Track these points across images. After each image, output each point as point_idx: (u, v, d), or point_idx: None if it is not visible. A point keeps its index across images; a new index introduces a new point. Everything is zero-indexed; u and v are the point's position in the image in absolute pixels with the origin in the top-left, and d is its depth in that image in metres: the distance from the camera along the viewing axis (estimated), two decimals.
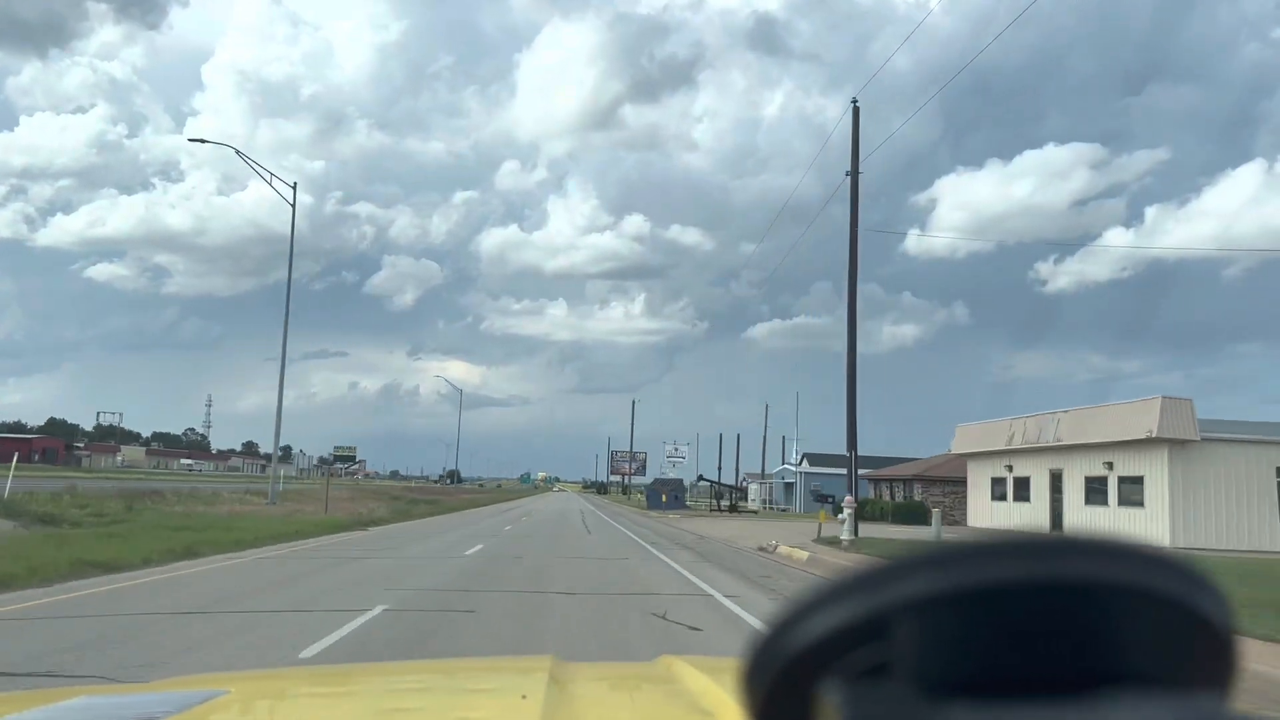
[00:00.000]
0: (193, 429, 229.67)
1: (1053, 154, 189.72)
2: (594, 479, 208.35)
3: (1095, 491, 33.03)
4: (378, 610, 10.39)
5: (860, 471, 70.15)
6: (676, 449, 79.32)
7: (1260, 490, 29.69)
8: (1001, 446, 38.46)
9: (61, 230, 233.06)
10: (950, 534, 26.46)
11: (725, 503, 59.53)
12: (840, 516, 23.65)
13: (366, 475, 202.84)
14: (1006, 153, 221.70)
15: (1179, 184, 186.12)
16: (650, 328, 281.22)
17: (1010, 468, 38.83)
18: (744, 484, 79.87)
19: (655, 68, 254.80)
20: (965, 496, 46.78)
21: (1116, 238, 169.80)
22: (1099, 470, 32.62)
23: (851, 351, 25.80)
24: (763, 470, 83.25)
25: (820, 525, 25.40)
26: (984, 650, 0.53)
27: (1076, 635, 0.53)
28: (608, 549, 22.79)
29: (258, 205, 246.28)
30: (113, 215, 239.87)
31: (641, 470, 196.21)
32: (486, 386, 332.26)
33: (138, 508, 28.29)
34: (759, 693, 0.58)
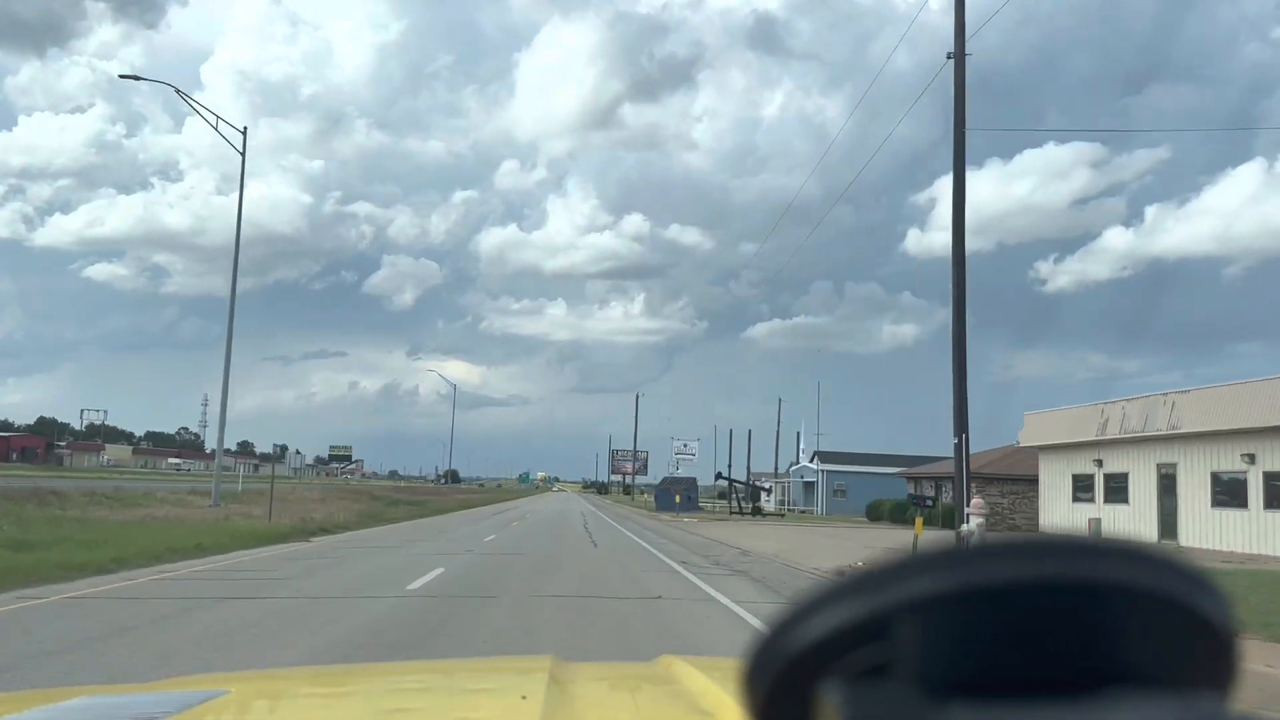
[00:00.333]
0: (186, 428, 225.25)
1: (1053, 153, 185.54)
2: (594, 479, 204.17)
3: (1228, 492, 26.13)
4: None
5: (887, 470, 63.47)
6: (685, 446, 72.38)
7: None
8: (1090, 437, 31.56)
9: (60, 230, 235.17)
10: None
11: (747, 504, 52.58)
12: (967, 527, 16.60)
13: (364, 475, 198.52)
14: (1006, 152, 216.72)
15: (1179, 183, 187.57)
16: (650, 327, 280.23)
17: (1100, 462, 31.90)
18: (760, 484, 73.13)
19: (655, 67, 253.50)
20: (1029, 497, 39.96)
21: (1116, 237, 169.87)
22: (1235, 465, 25.72)
23: (959, 304, 18.82)
24: (776, 468, 76.60)
25: (917, 535, 18.32)
26: (985, 650, 0.53)
27: (1077, 635, 0.52)
28: (624, 573, 15.97)
29: (257, 205, 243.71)
30: (111, 215, 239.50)
31: (644, 470, 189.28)
32: (486, 386, 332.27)
33: (15, 512, 21.60)
34: (759, 693, 0.58)
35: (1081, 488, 33.42)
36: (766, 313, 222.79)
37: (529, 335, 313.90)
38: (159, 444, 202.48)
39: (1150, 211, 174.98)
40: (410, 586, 12.70)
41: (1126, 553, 0.54)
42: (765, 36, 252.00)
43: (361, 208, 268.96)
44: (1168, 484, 28.64)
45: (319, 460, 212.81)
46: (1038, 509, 40.25)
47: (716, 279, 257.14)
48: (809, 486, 66.88)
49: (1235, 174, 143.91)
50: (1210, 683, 0.56)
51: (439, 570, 15.11)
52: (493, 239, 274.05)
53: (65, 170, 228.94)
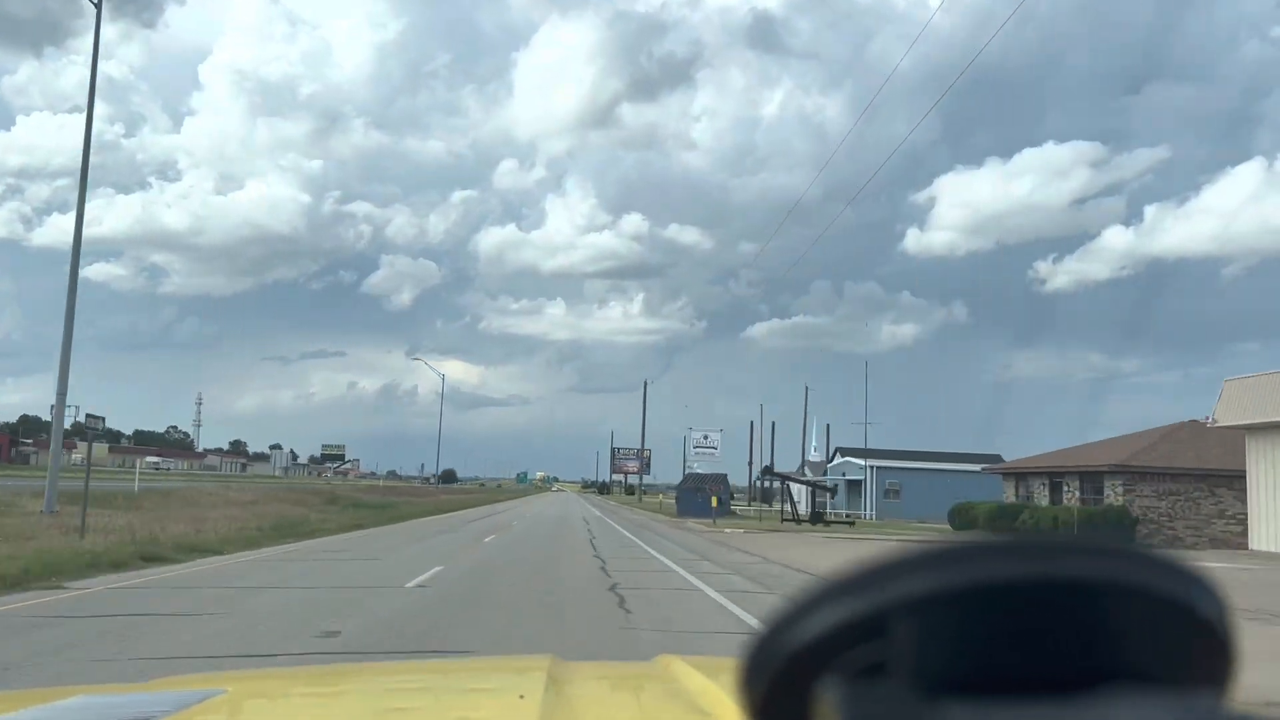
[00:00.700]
0: (175, 426, 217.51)
1: (1052, 152, 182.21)
2: (593, 479, 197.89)
3: None
4: None
5: (953, 468, 51.91)
6: (705, 438, 59.88)
7: None
8: None
9: (58, 230, 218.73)
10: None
11: (802, 508, 41.10)
12: None
13: (359, 475, 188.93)
14: (1005, 151, 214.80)
15: (1179, 182, 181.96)
16: (649, 327, 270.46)
17: None
18: (824, 482, 61.92)
19: (654, 66, 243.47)
20: (1193, 498, 28.89)
21: (1116, 236, 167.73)
22: None
23: None
24: (802, 465, 65.55)
25: None
26: (982, 649, 0.52)
27: (1075, 634, 0.52)
28: None
29: (255, 205, 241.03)
30: (109, 215, 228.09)
31: (646, 468, 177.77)
32: (485, 386, 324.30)
33: None
34: (757, 692, 0.57)
35: None
36: (766, 312, 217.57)
37: (528, 335, 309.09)
38: (150, 443, 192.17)
39: (1150, 211, 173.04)
40: None
41: (1123, 552, 0.53)
42: (764, 35, 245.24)
43: (360, 207, 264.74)
44: None
45: (313, 459, 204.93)
46: (1209, 512, 29.01)
47: (716, 278, 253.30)
48: (853, 486, 55.80)
49: (1234, 173, 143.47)
50: (1207, 681, 0.56)
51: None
52: (491, 239, 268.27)
53: (64, 170, 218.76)
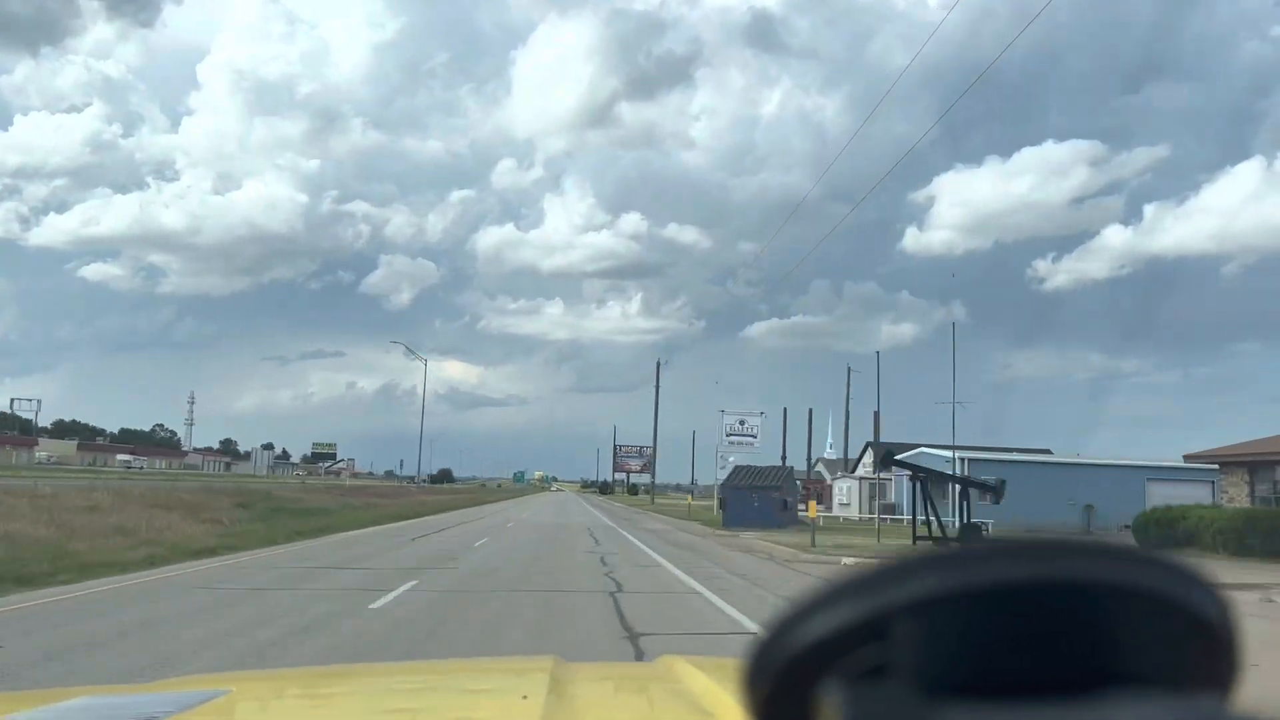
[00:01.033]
0: (162, 424, 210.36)
1: (1052, 151, 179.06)
2: (593, 478, 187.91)
3: None
4: None
5: (1080, 461, 38.22)
6: (742, 423, 45.12)
7: None
8: None
9: (55, 230, 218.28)
10: None
11: (931, 520, 25.11)
12: None
13: (354, 474, 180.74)
14: (1005, 150, 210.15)
15: (1179, 181, 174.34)
16: (648, 327, 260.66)
17: None
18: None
19: (652, 65, 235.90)
20: None
21: (1115, 235, 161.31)
22: None
23: None
24: (845, 460, 53.33)
25: None
26: (984, 651, 0.52)
27: (1077, 636, 0.52)
28: None
29: (253, 204, 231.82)
30: (106, 214, 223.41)
31: (649, 467, 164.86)
32: (484, 386, 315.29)
33: None
34: (760, 693, 0.57)
35: None
36: (765, 312, 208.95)
37: (526, 335, 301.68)
38: (135, 441, 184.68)
39: (1149, 210, 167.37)
40: None
41: (1125, 553, 0.53)
42: (763, 33, 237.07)
43: (358, 207, 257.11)
44: None
45: (305, 459, 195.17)
46: None
47: (714, 278, 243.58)
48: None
49: (1234, 171, 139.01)
50: (1210, 683, 0.55)
51: None
52: (490, 238, 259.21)
53: (61, 169, 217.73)
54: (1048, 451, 43.94)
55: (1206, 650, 0.55)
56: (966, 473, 40.76)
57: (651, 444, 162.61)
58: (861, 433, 52.33)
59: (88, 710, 1.49)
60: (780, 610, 0.57)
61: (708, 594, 12.40)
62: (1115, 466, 36.69)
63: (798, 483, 30.87)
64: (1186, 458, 29.14)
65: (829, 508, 45.19)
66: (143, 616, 9.11)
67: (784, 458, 47.49)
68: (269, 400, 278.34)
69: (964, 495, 26.12)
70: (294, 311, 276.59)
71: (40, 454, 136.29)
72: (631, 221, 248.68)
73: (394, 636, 8.19)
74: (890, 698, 0.51)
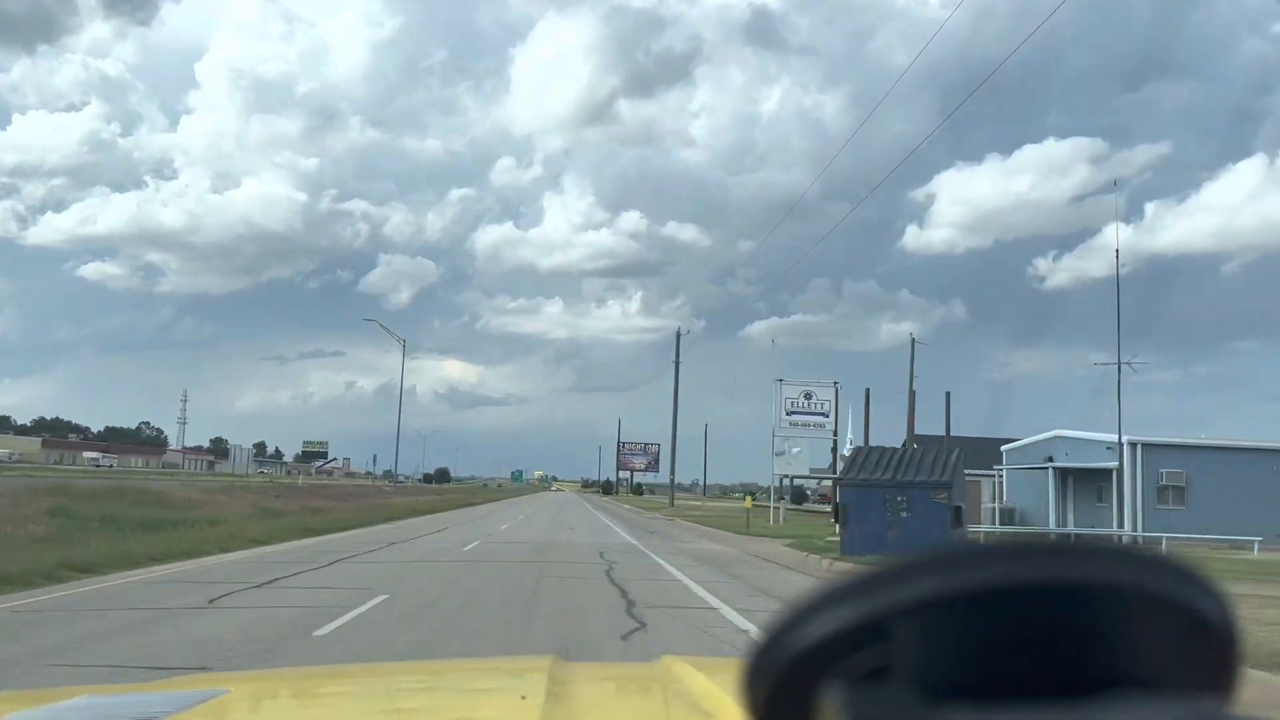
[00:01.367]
0: (147, 422, 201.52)
1: (1053, 149, 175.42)
2: (594, 478, 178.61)
3: None
4: None
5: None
6: (809, 398, 32.31)
7: None
8: None
9: (53, 229, 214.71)
10: None
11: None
12: None
13: (349, 474, 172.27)
14: (1006, 147, 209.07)
15: (1180, 179, 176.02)
16: (647, 326, 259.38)
17: None
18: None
19: (651, 62, 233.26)
20: None
21: (1116, 233, 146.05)
22: None
23: None
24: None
25: None
26: (985, 653, 0.52)
27: (1078, 638, 0.52)
28: None
29: (251, 203, 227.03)
30: (104, 213, 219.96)
31: (654, 465, 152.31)
32: (484, 385, 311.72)
33: None
34: (760, 694, 0.57)
35: None
36: (764, 310, 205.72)
37: (526, 334, 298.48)
38: (120, 439, 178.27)
39: (1150, 208, 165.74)
40: None
41: (1125, 554, 0.53)
42: (762, 31, 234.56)
43: (357, 205, 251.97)
44: None
45: (298, 457, 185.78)
46: None
47: (714, 277, 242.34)
48: (1080, 479, 30.86)
49: (1236, 169, 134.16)
50: (1211, 685, 0.55)
51: None
52: (489, 237, 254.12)
53: (59, 169, 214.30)
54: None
55: (1208, 651, 0.54)
56: (1140, 465, 28.34)
57: (659, 441, 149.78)
58: (886, 427, 39.58)
59: (86, 710, 1.49)
60: (780, 612, 0.55)
61: None
62: None
63: (965, 475, 18.19)
64: None
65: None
66: None
67: (833, 446, 35.18)
68: (268, 400, 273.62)
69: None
70: (293, 311, 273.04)
71: (1, 451, 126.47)
72: (631, 220, 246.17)
73: None
74: (891, 700, 0.51)
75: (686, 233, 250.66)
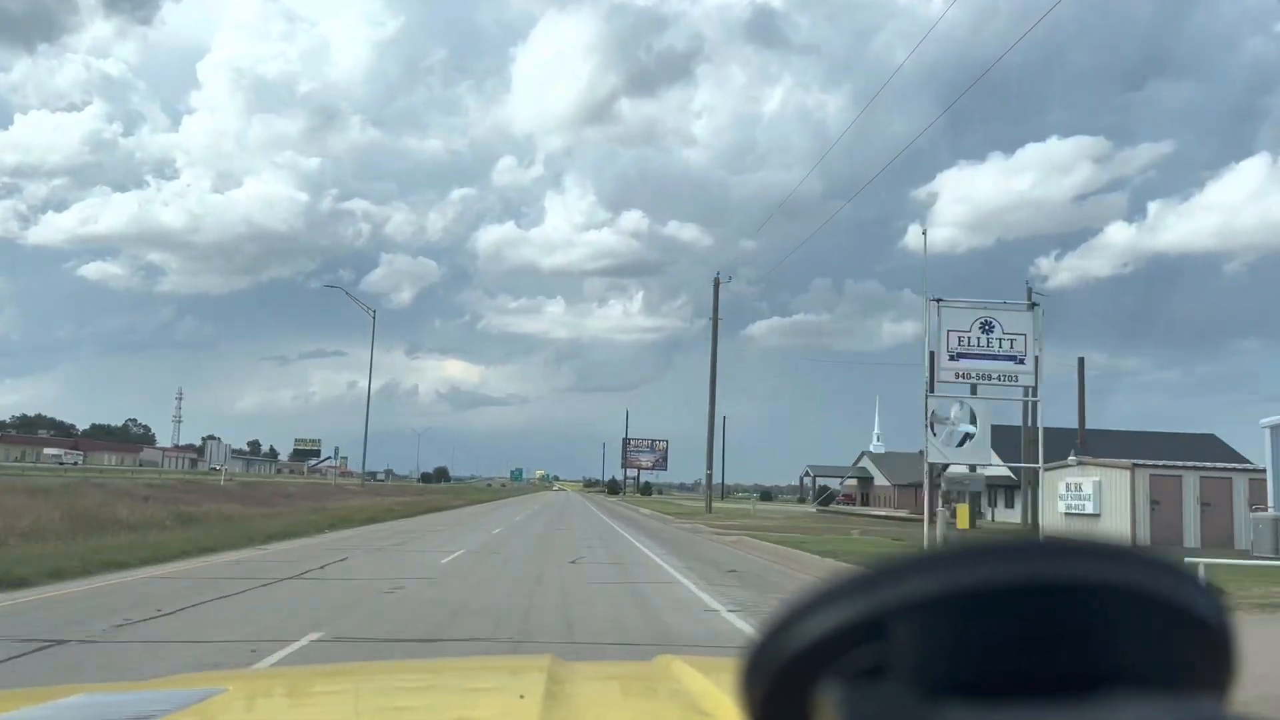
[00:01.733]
0: (134, 419, 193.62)
1: (1056, 147, 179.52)
2: (597, 477, 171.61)
3: None
4: None
5: None
6: (988, 328, 18.13)
7: None
8: None
9: (53, 228, 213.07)
10: None
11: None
12: None
13: (345, 473, 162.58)
14: (1009, 146, 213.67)
15: (1182, 178, 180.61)
16: (649, 325, 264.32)
17: None
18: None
19: (652, 61, 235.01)
20: None
21: (1118, 232, 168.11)
22: None
23: None
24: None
25: None
26: (981, 651, 0.51)
27: (1074, 636, 0.51)
28: None
29: (252, 203, 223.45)
30: (105, 213, 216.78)
31: (663, 463, 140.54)
32: (485, 385, 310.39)
33: None
34: (757, 693, 0.56)
35: None
36: (766, 310, 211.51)
37: (527, 334, 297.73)
38: (106, 437, 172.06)
39: (1153, 207, 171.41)
40: None
41: (1121, 553, 0.52)
42: (764, 29, 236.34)
43: (358, 205, 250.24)
44: None
45: (293, 455, 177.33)
46: None
47: (716, 276, 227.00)
48: None
49: (1239, 168, 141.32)
50: (1208, 683, 0.54)
51: None
52: (490, 236, 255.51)
53: (60, 168, 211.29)
54: None
55: (1204, 650, 0.54)
56: None
57: (666, 438, 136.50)
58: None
59: (84, 708, 1.48)
60: (778, 610, 0.55)
61: None
62: None
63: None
64: None
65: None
66: None
67: (1030, 412, 21.44)
68: (268, 399, 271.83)
69: None
70: (294, 311, 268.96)
71: None
72: (632, 219, 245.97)
73: None
74: (888, 698, 0.50)
75: (688, 232, 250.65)
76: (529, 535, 23.79)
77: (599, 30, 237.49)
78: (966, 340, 18.85)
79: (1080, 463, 25.59)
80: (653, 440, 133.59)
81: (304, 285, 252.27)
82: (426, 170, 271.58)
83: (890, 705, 0.50)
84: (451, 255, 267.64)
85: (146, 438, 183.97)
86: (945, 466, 19.57)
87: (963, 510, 25.72)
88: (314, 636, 7.45)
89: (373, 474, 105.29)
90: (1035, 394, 19.40)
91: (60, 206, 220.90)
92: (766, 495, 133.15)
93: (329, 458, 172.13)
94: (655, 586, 12.24)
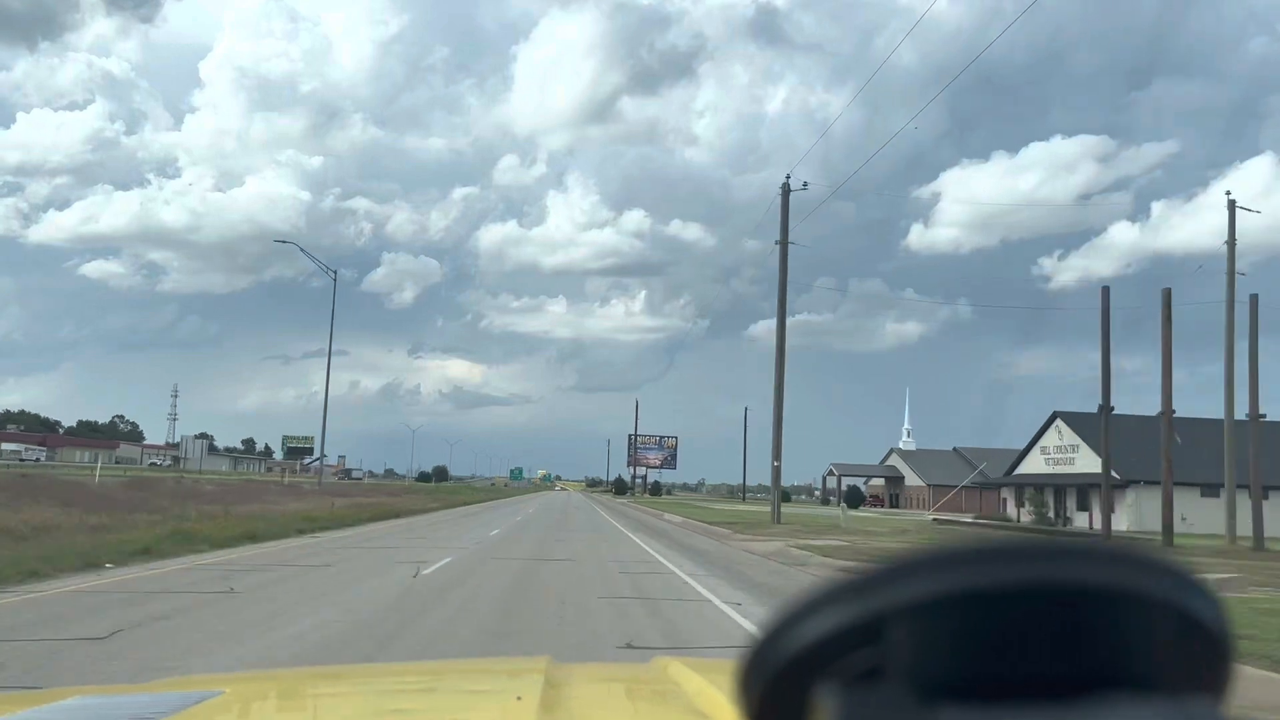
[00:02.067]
0: (122, 416, 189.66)
1: (1059, 146, 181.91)
2: (600, 476, 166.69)
3: None
4: None
5: None
6: None
7: None
8: None
9: (55, 227, 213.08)
10: None
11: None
12: None
13: (341, 473, 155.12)
14: (1012, 145, 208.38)
15: (1186, 177, 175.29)
16: (651, 325, 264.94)
17: None
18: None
19: (655, 59, 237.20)
20: None
21: (1122, 232, 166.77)
22: None
23: None
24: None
25: None
26: (978, 654, 0.51)
27: (1071, 639, 0.51)
28: None
29: (254, 201, 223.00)
30: (107, 211, 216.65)
31: (671, 461, 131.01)
32: (487, 385, 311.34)
33: None
34: (754, 695, 0.56)
35: None
36: (768, 310, 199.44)
37: (529, 333, 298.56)
38: (93, 434, 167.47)
39: (1157, 207, 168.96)
40: None
41: (1119, 556, 0.52)
42: (766, 28, 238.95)
43: (360, 204, 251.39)
44: None
45: (286, 455, 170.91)
46: None
47: (718, 276, 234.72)
48: None
49: (1244, 168, 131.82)
50: (1205, 687, 0.54)
51: None
52: (492, 235, 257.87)
53: (62, 167, 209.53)
54: None
55: (1202, 653, 0.53)
56: None
57: (675, 435, 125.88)
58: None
59: (82, 710, 1.47)
60: (775, 613, 0.55)
61: None
62: None
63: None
64: None
65: None
66: None
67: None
68: (269, 398, 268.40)
69: None
70: (295, 310, 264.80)
71: None
72: (634, 219, 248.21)
73: None
74: (885, 700, 0.50)
75: (690, 231, 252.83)
76: (491, 582, 13.22)
77: (601, 29, 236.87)
78: None
79: None
80: (661, 437, 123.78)
81: (306, 284, 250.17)
82: (429, 169, 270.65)
83: (887, 708, 0.50)
84: (454, 254, 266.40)
85: (134, 435, 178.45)
86: None
87: None
88: None
89: (348, 471, 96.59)
90: None
91: (62, 205, 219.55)
92: (785, 497, 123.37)
93: (324, 455, 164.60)
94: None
